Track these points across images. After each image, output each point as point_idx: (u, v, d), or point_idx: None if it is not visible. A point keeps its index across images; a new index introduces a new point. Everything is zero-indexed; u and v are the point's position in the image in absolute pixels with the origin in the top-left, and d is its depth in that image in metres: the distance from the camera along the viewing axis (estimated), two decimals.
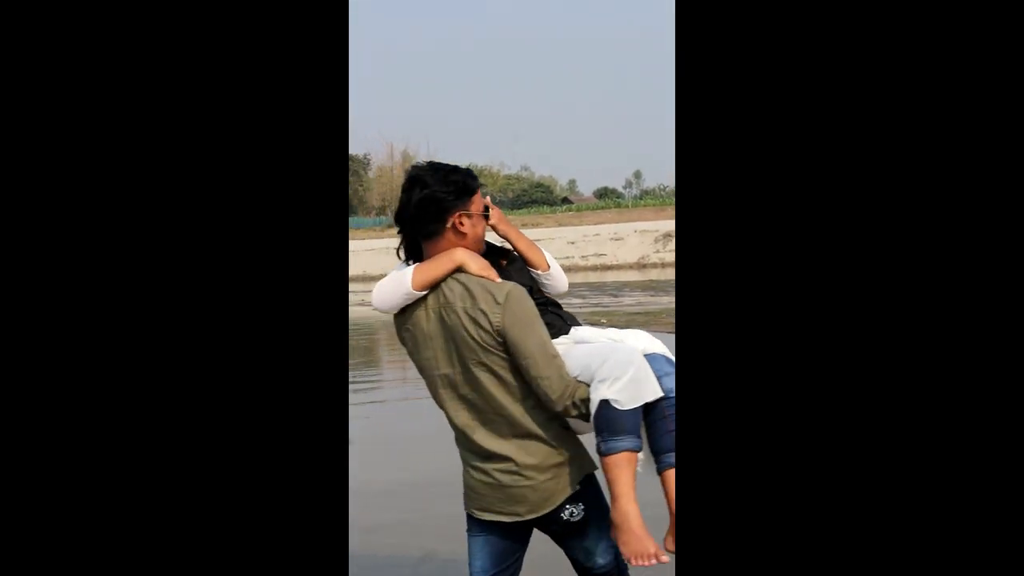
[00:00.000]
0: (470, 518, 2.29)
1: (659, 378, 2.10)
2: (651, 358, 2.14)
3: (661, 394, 2.09)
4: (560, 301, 2.45)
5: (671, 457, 2.06)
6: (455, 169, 2.26)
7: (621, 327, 2.50)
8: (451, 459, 2.48)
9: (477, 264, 2.19)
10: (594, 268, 30.89)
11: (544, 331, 2.17)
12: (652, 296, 16.16)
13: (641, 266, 26.99)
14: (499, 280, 2.19)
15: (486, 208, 2.29)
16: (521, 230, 2.50)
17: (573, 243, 34.74)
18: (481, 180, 2.39)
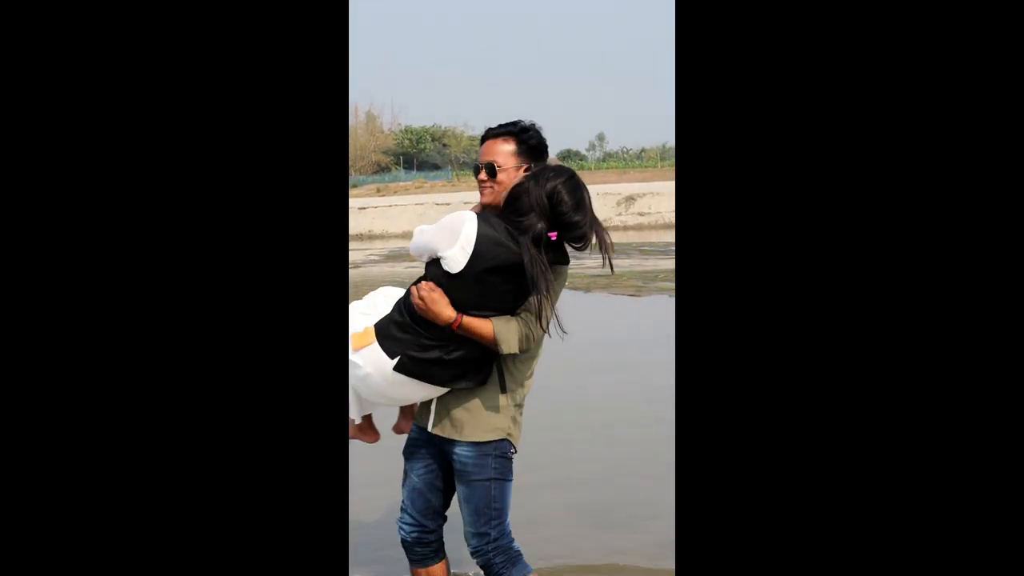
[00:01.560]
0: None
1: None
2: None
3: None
4: None
5: None
6: None
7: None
8: None
9: None
10: None
11: None
12: (615, 259, 16.21)
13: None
14: None
15: (474, 167, 2.49)
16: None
17: None
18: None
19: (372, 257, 18.54)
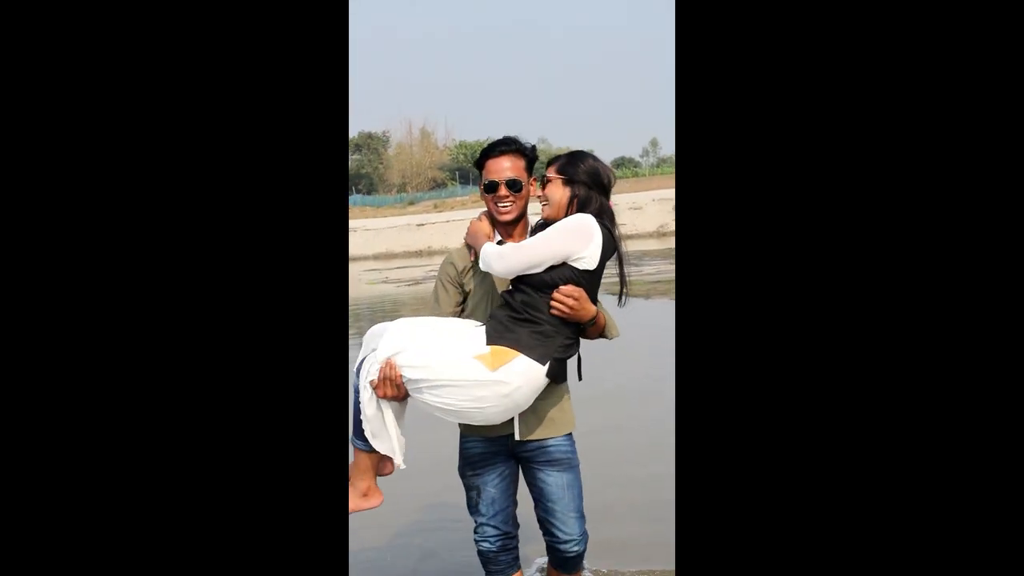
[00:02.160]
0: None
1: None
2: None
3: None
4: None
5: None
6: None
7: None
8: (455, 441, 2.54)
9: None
10: None
11: (433, 293, 2.61)
12: (671, 264, 16.13)
13: (660, 235, 26.85)
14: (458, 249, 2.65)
15: (487, 184, 2.55)
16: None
17: None
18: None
19: (432, 273, 18.70)
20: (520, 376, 2.25)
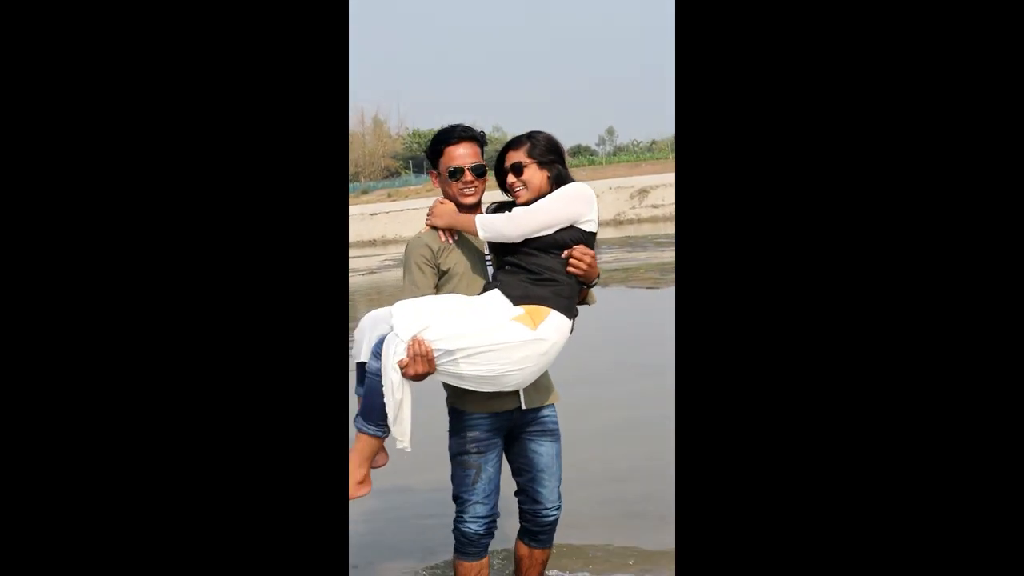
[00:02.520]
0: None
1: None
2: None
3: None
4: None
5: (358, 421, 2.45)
6: (440, 131, 2.68)
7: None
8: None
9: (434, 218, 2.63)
10: None
11: (409, 276, 2.60)
12: (629, 252, 16.20)
13: (618, 223, 27.03)
14: (425, 231, 2.65)
15: (451, 171, 2.62)
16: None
17: None
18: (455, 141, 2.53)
19: (387, 263, 18.66)
20: (556, 332, 2.41)
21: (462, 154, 2.62)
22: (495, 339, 2.31)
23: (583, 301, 2.63)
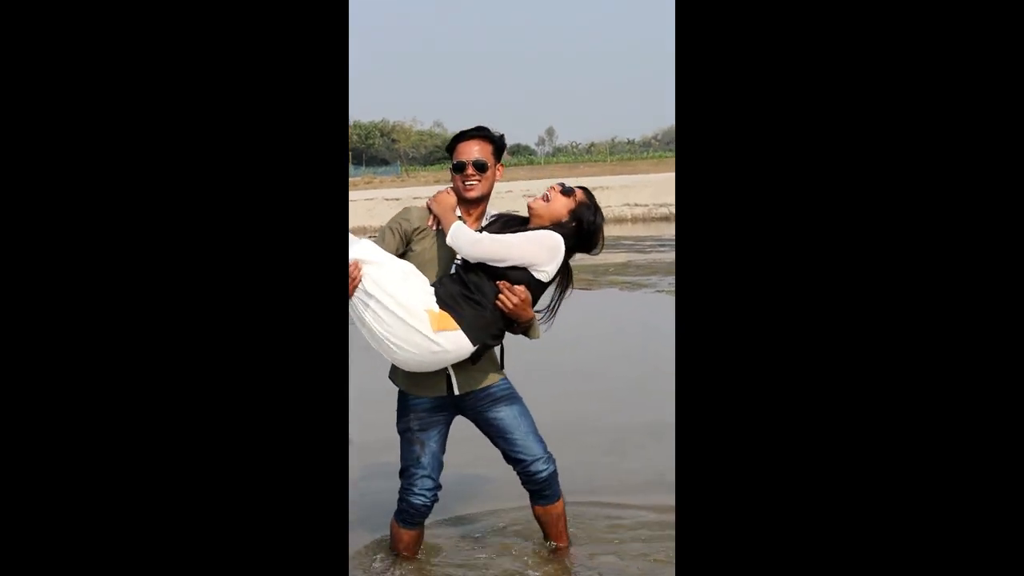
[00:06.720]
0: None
1: None
2: None
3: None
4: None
5: None
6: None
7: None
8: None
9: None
10: None
11: (381, 232, 2.79)
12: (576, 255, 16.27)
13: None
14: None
15: (455, 164, 2.79)
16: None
17: None
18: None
19: None
20: (452, 345, 2.55)
21: (470, 150, 2.78)
22: (404, 313, 2.48)
23: (525, 333, 2.77)
